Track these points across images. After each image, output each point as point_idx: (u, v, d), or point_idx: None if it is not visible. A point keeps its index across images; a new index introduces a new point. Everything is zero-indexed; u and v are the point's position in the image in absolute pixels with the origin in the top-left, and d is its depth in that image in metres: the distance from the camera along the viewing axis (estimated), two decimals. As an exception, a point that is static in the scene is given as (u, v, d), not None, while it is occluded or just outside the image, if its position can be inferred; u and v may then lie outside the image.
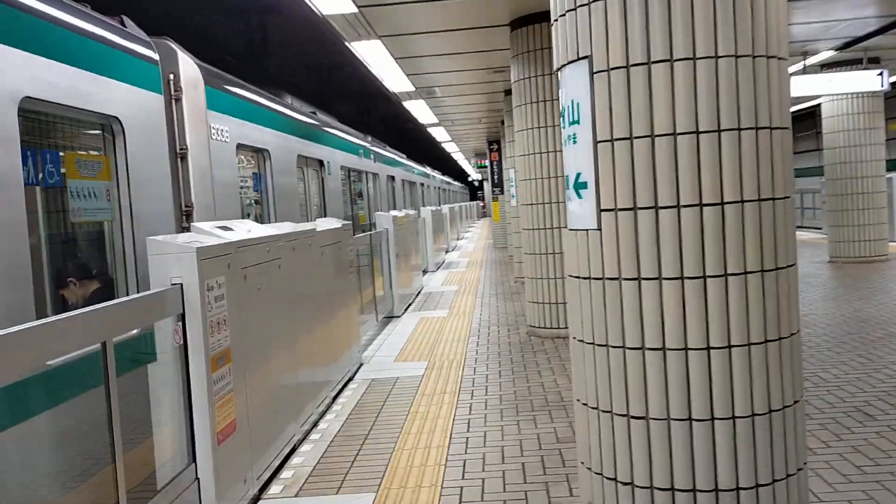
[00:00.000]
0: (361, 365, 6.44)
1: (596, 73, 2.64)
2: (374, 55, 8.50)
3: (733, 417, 2.50)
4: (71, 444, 2.80)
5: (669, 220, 2.53)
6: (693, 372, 2.55)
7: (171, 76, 4.64)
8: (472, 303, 10.09)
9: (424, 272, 14.47)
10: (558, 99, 6.64)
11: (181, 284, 3.02)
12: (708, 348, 2.51)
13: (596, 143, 2.66)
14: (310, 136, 8.16)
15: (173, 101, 4.63)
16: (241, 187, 6.12)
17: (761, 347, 2.51)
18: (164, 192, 4.28)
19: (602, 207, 2.67)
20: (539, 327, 7.29)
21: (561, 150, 7.01)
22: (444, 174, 35.13)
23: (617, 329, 2.65)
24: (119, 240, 3.78)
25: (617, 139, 2.61)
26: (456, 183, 44.48)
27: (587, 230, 2.74)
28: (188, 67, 4.79)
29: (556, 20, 2.85)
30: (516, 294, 10.68)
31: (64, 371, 2.54)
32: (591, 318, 2.75)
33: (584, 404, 2.83)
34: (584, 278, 2.78)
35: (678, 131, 2.53)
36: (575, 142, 2.75)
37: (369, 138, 13.72)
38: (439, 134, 20.09)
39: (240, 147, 5.79)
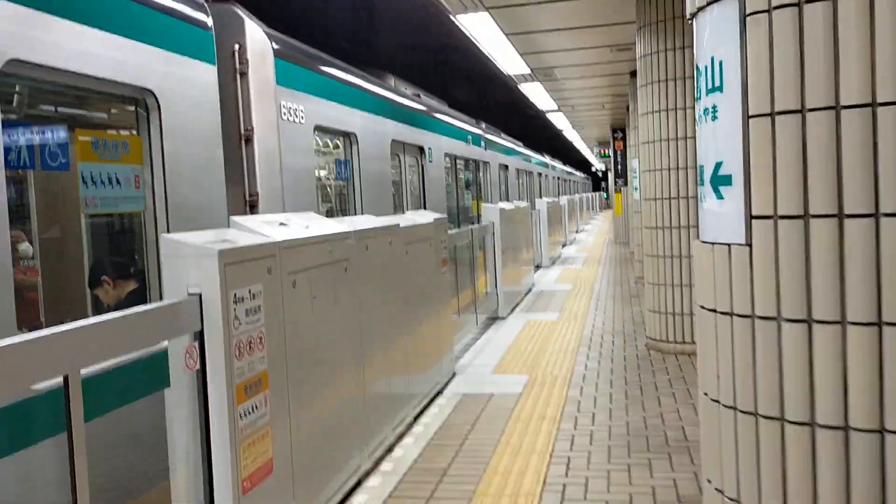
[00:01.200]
0: (454, 375, 5.77)
1: (750, 14, 1.79)
2: (483, 31, 7.77)
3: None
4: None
5: (861, 236, 1.67)
6: (892, 464, 1.68)
7: (237, 47, 4.10)
8: (586, 305, 9.19)
9: (537, 268, 13.64)
10: (691, 77, 5.49)
11: (199, 295, 2.43)
12: (925, 439, 1.64)
13: (747, 118, 1.82)
14: (407, 119, 7.41)
15: (238, 76, 4.09)
16: (320, 175, 5.51)
17: None
18: (215, 180, 3.67)
19: (754, 213, 1.83)
20: (660, 340, 6.35)
21: (694, 137, 6.04)
22: (564, 164, 33.91)
23: (772, 393, 1.81)
24: (152, 235, 3.24)
25: (780, 112, 1.76)
26: (578, 173, 43.02)
27: (729, 245, 1.90)
28: (256, 37, 4.20)
29: (693, -57, 2.02)
30: (636, 297, 9.67)
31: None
32: (731, 373, 1.92)
33: (720, 491, 2.00)
34: (723, 314, 1.94)
35: (879, 101, 1.66)
36: (715, 117, 1.91)
37: (482, 125, 12.99)
38: (559, 121, 19.10)
39: (319, 129, 5.16)
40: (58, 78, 2.83)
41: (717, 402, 1.97)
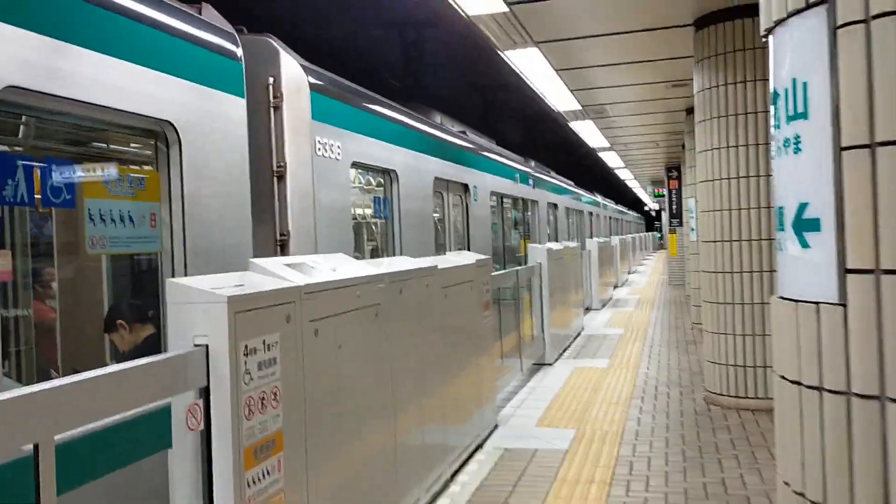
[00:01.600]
0: (496, 427, 5.41)
1: (843, 26, 1.49)
2: (532, 67, 7.55)
3: None
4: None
5: None
6: None
7: (271, 80, 3.94)
8: (639, 351, 8.73)
9: (587, 310, 13.18)
10: (752, 112, 5.10)
11: (206, 346, 2.19)
12: None
13: (839, 149, 1.50)
14: (451, 156, 7.20)
15: (271, 110, 3.93)
16: (357, 214, 5.30)
17: None
18: (241, 219, 3.46)
19: (849, 266, 1.49)
20: (720, 394, 5.88)
21: (757, 176, 5.65)
22: (616, 202, 33.34)
23: (874, 492, 1.45)
24: (170, 276, 3.01)
25: (883, 143, 1.44)
26: (630, 212, 42.26)
27: (818, 303, 1.56)
28: (291, 70, 4.04)
29: (770, -53, 1.73)
30: (692, 344, 9.16)
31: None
32: (820, 462, 1.56)
33: None
34: (810, 388, 1.60)
35: None
36: (798, 149, 1.59)
37: (532, 163, 12.75)
38: (611, 159, 18.72)
39: (356, 166, 4.99)
40: (66, 108, 2.66)
41: (802, 496, 1.62)
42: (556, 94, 9.16)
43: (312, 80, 4.23)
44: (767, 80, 5.37)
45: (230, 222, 3.40)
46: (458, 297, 4.61)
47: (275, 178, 3.94)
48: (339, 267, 3.14)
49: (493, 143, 10.16)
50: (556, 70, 7.73)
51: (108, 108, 2.73)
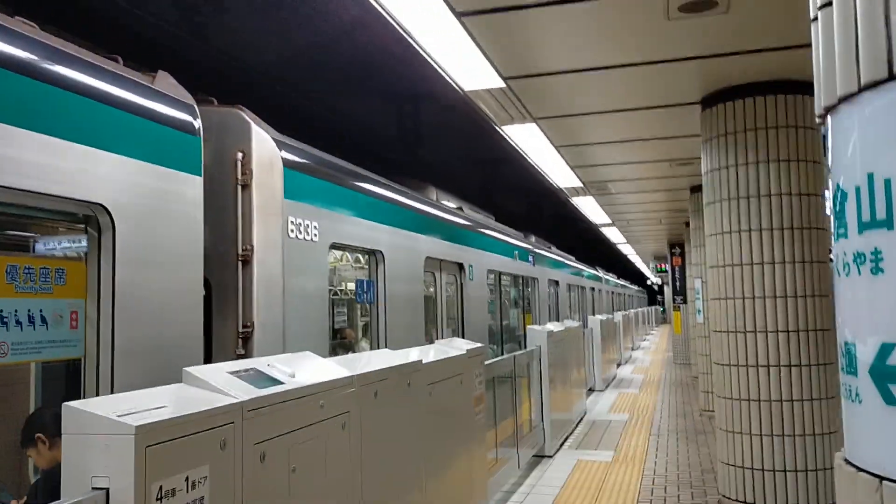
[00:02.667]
0: (488, 536, 4.85)
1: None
2: (532, 142, 7.26)
3: None
4: None
5: None
6: None
7: (241, 155, 3.58)
8: (645, 441, 8.15)
9: (590, 391, 12.61)
10: (766, 195, 4.72)
11: (106, 491, 1.73)
12: None
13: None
14: (444, 234, 6.82)
15: (239, 188, 3.56)
16: (336, 299, 4.87)
17: None
18: (190, 312, 3.02)
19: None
20: (735, 500, 5.32)
21: (772, 263, 5.24)
22: (618, 277, 32.97)
23: None
24: (93, 387, 2.55)
25: None
26: (632, 286, 41.87)
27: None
28: (263, 144, 3.68)
29: (822, 7, 1.36)
30: (701, 434, 8.58)
31: None
32: None
33: None
34: None
35: None
36: (877, 269, 1.18)
37: (532, 238, 12.42)
38: (613, 235, 18.42)
39: (336, 247, 4.60)
40: None
41: None
42: (557, 171, 8.87)
43: (287, 155, 3.88)
44: (780, 161, 4.99)
45: (176, 317, 2.94)
46: (446, 394, 4.14)
47: (239, 263, 3.52)
48: (300, 370, 2.70)
49: (490, 219, 9.84)
50: (556, 147, 7.45)
51: (24, 191, 2.32)
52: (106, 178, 2.64)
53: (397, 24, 4.21)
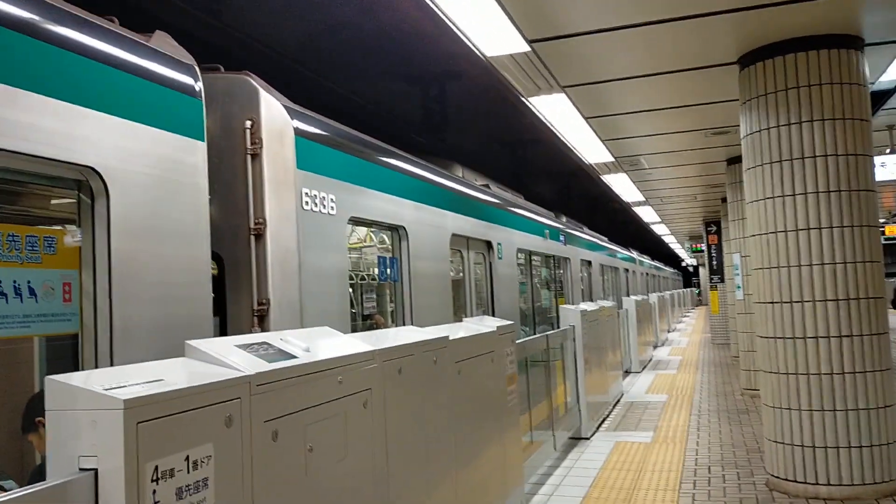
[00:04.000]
0: (524, 520, 4.66)
1: None
2: (560, 115, 7.00)
3: None
4: None
5: None
6: None
7: (249, 123, 3.38)
8: (686, 422, 7.88)
9: (627, 373, 12.33)
10: (810, 157, 4.49)
11: (94, 471, 1.58)
12: None
13: None
14: (471, 210, 6.59)
15: (248, 157, 3.36)
16: (356, 276, 4.68)
17: None
18: (197, 288, 2.82)
19: None
20: (785, 479, 5.06)
21: (819, 228, 4.91)
22: (653, 259, 32.43)
23: None
24: (91, 363, 2.38)
25: None
26: (667, 268, 41.18)
27: None
28: (273, 112, 3.46)
29: None
30: (745, 414, 8.28)
31: None
32: None
33: None
34: None
35: None
36: None
37: (563, 218, 12.18)
38: (647, 214, 18.02)
39: (355, 222, 4.40)
40: None
41: None
42: (587, 146, 8.59)
43: (299, 124, 3.66)
44: (825, 120, 4.67)
45: (182, 293, 2.76)
46: (475, 373, 3.95)
47: (252, 237, 3.35)
48: (316, 344, 2.53)
49: (519, 198, 9.62)
50: (586, 118, 7.18)
51: (10, 152, 2.15)
52: (98, 141, 2.45)
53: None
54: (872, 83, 6.11)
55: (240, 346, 2.20)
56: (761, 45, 5.15)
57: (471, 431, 3.82)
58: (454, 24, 4.52)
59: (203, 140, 2.95)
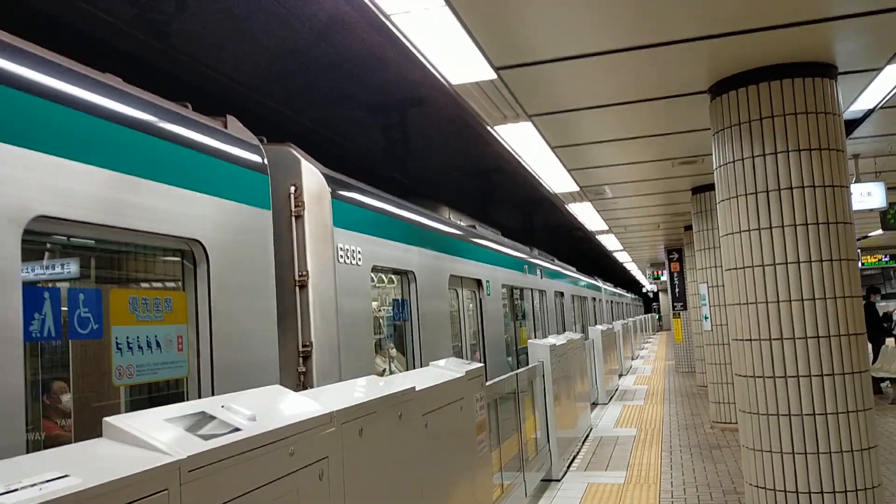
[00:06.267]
0: (496, 579, 4.33)
1: None
2: (526, 144, 6.80)
3: None
4: None
5: None
6: None
7: (293, 189, 3.99)
8: (658, 459, 7.65)
9: (594, 405, 12.10)
10: (786, 188, 4.32)
11: None
12: None
13: None
14: (464, 252, 7.31)
15: (293, 219, 3.96)
16: (377, 317, 5.28)
17: None
18: (267, 334, 3.42)
19: None
20: (767, 525, 4.82)
21: (797, 262, 4.70)
22: (616, 285, 32.54)
23: None
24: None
25: None
26: (628, 294, 41.41)
27: None
28: (312, 178, 4.10)
29: None
30: (717, 449, 8.09)
31: None
32: None
33: None
34: None
35: None
36: None
37: (535, 251, 12.31)
38: (609, 242, 17.98)
39: (376, 270, 5.01)
40: (90, 233, 2.66)
41: None
42: (553, 175, 8.41)
43: (333, 187, 4.26)
44: (801, 150, 4.50)
45: (257, 338, 3.35)
46: (444, 424, 3.64)
47: (297, 288, 3.94)
48: (264, 410, 2.20)
49: (498, 234, 10.02)
50: (553, 148, 6.99)
51: (138, 231, 2.71)
52: (199, 216, 3.02)
53: (379, 10, 3.74)
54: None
55: (171, 420, 1.87)
56: (733, 73, 5.02)
57: (439, 488, 3.49)
58: (418, 49, 4.27)
59: (269, 209, 3.53)
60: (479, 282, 7.77)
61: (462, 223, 8.26)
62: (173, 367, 2.88)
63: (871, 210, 8.36)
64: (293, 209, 3.92)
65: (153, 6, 5.91)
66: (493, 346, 7.71)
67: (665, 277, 24.33)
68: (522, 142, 6.70)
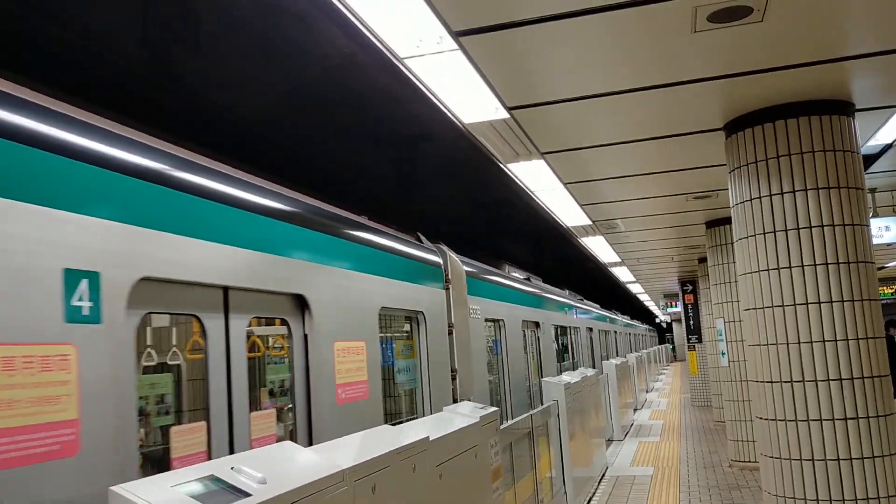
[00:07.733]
0: None
1: None
2: (538, 181, 6.76)
3: None
4: None
5: None
6: None
7: (445, 272, 5.97)
8: (676, 501, 7.45)
9: (609, 441, 11.89)
10: (800, 227, 4.19)
11: None
12: None
13: None
14: (528, 301, 9.69)
15: (445, 290, 5.91)
16: (488, 353, 7.38)
17: None
18: (445, 362, 5.66)
19: None
20: (793, 575, 4.65)
21: (818, 303, 4.60)
22: (631, 317, 32.26)
23: None
24: (421, 400, 5.27)
25: None
26: (642, 325, 41.06)
27: None
28: (455, 264, 6.23)
29: None
30: (736, 490, 7.88)
31: None
32: None
33: None
34: None
35: None
36: None
37: (566, 292, 14.34)
38: (622, 274, 17.85)
39: (486, 320, 7.40)
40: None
41: None
42: (565, 210, 8.37)
43: (466, 268, 6.47)
44: (819, 188, 4.42)
45: (442, 365, 5.59)
46: (459, 474, 3.54)
47: (448, 333, 5.89)
48: (274, 471, 2.12)
49: (540, 281, 12.33)
50: (565, 184, 6.95)
51: (405, 309, 4.96)
52: (422, 298, 5.23)
53: (392, 54, 3.74)
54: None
55: (178, 486, 1.80)
56: (748, 111, 4.97)
57: (454, 542, 3.41)
58: (431, 91, 4.26)
59: (444, 288, 5.84)
60: (537, 324, 10.24)
61: (516, 274, 10.83)
62: (414, 382, 5.34)
63: (890, 245, 8.24)
64: (445, 284, 5.97)
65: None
66: (547, 373, 10.45)
67: (679, 308, 24.10)
68: (535, 178, 6.67)
